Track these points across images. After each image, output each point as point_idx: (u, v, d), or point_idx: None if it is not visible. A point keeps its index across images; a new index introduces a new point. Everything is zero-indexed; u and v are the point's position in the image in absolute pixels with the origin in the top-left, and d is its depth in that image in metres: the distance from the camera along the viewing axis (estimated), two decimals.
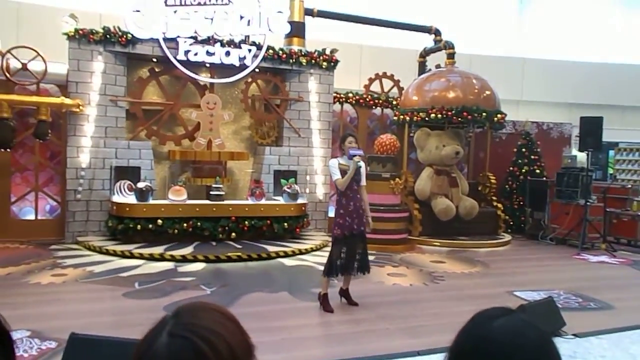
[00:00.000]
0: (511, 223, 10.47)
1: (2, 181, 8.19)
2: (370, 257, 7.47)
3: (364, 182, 5.24)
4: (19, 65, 7.76)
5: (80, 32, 8.02)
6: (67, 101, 7.96)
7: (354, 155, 5.04)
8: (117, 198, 7.93)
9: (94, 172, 8.20)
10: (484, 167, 10.27)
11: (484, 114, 9.23)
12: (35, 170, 8.44)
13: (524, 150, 10.69)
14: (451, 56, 10.26)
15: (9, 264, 6.58)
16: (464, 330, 1.05)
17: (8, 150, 7.84)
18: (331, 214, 7.64)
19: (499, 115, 9.53)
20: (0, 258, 6.89)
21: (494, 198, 10.12)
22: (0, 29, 8.16)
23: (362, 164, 5.14)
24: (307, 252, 7.90)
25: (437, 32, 10.75)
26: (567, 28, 13.97)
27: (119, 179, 8.10)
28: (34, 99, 7.91)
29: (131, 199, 7.87)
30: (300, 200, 8.65)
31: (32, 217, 8.49)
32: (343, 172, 5.08)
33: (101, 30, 8.11)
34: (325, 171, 9.17)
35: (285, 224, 8.38)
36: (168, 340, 0.85)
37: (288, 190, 8.51)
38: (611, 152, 13.40)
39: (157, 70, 8.79)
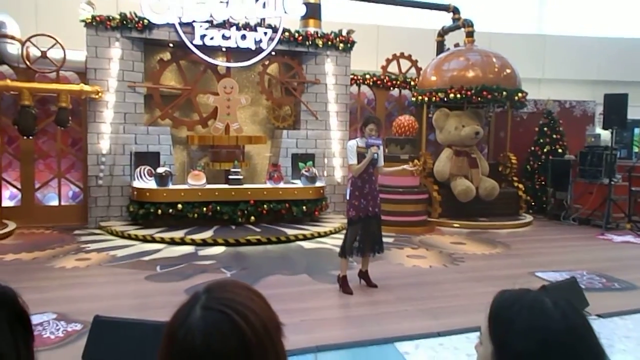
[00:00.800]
0: (533, 204, 10.33)
1: (26, 168, 8.35)
2: (389, 239, 7.54)
3: (381, 162, 5.22)
4: (39, 54, 7.85)
5: (97, 18, 8.06)
6: (87, 88, 8.04)
7: (372, 146, 5.01)
8: (137, 183, 8.02)
9: (114, 158, 8.30)
10: (504, 147, 10.11)
11: (504, 93, 9.06)
12: (57, 157, 8.58)
13: (545, 129, 10.49)
14: (470, 35, 10.06)
15: (35, 248, 6.73)
16: (518, 328, 0.99)
17: (31, 137, 7.97)
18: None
19: (519, 94, 9.34)
20: (26, 243, 7.06)
21: (515, 178, 9.98)
22: (20, 17, 8.23)
23: (378, 153, 5.08)
24: (325, 234, 7.91)
25: (455, 10, 10.53)
26: (589, 3, 13.58)
27: (139, 164, 8.19)
28: (54, 86, 8.01)
29: (151, 184, 7.95)
30: (318, 183, 8.65)
31: (55, 203, 8.65)
32: (360, 156, 5.05)
33: (118, 17, 8.14)
34: (343, 154, 9.13)
35: (304, 207, 8.39)
36: (203, 313, 0.87)
37: (306, 173, 8.51)
38: (636, 130, 13.05)
39: (174, 55, 8.81)
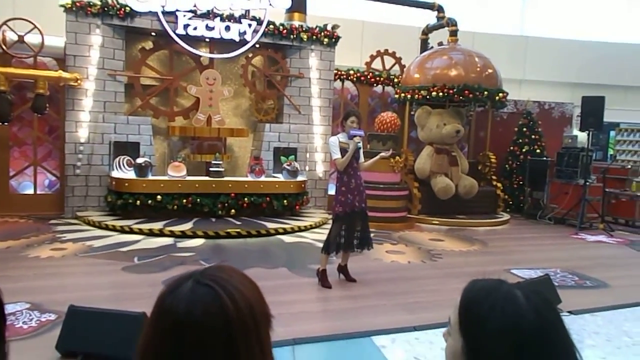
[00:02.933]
0: (510, 202, 10.49)
1: (0, 155, 8.17)
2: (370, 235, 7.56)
3: (362, 159, 5.24)
4: (16, 38, 7.67)
5: (78, 4, 7.90)
6: (65, 75, 7.89)
7: (355, 136, 5.02)
8: (116, 173, 7.91)
9: (93, 147, 8.17)
10: (484, 146, 10.23)
11: (485, 92, 9.15)
12: (33, 144, 8.41)
13: (525, 129, 10.63)
14: (454, 34, 10.13)
15: (9, 237, 6.60)
16: (491, 328, 0.97)
17: (6, 124, 7.80)
18: (331, 191, 7.63)
19: (500, 94, 9.45)
20: (0, 232, 6.92)
21: (494, 177, 10.11)
22: None
23: (361, 144, 5.12)
24: (306, 229, 7.92)
25: (440, 9, 10.60)
26: (570, 7, 13.79)
27: (118, 154, 8.08)
28: (32, 72, 7.84)
29: (130, 174, 7.86)
30: (300, 178, 8.64)
31: (31, 191, 8.49)
32: (343, 151, 5.06)
33: (99, 3, 7.99)
34: (325, 149, 9.14)
35: (285, 201, 8.38)
36: (192, 286, 0.91)
37: (288, 167, 8.50)
38: (612, 133, 13.34)
39: (156, 44, 8.70)
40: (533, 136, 10.57)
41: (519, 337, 0.95)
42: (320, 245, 5.35)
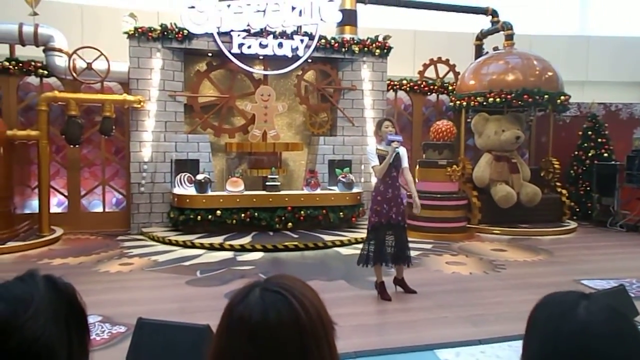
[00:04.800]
0: (577, 210, 10.01)
1: (72, 176, 8.66)
2: (428, 246, 7.45)
3: (406, 164, 5.07)
4: (84, 65, 8.14)
5: (140, 30, 8.31)
6: (129, 98, 8.29)
7: (393, 141, 4.85)
8: (177, 190, 8.19)
9: (156, 166, 8.51)
10: (546, 152, 9.84)
11: (546, 96, 8.83)
12: (102, 164, 8.87)
13: (590, 133, 10.16)
14: (510, 37, 9.87)
15: (81, 254, 6.96)
16: (548, 326, 0.95)
17: (77, 146, 8.27)
18: None
19: (562, 97, 9.09)
20: (72, 248, 7.31)
21: (558, 184, 9.70)
22: (67, 30, 8.57)
23: (401, 149, 4.98)
24: (362, 241, 7.84)
25: (494, 13, 10.37)
26: (633, 2, 13.10)
27: (179, 171, 8.37)
28: (99, 96, 8.31)
29: (191, 190, 8.11)
30: (355, 190, 8.63)
31: (100, 209, 8.93)
32: (381, 158, 4.95)
33: (159, 28, 8.37)
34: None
35: (341, 213, 8.39)
36: (262, 294, 0.92)
37: (343, 179, 8.51)
38: None
39: (213, 64, 8.99)
40: (599, 139, 10.08)
41: (557, 341, 0.92)
42: None
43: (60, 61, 8.14)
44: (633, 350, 0.91)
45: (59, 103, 8.13)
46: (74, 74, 8.09)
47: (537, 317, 0.99)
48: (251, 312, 0.89)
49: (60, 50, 8.16)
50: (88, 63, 8.13)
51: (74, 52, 8.09)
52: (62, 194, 8.71)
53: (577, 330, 0.91)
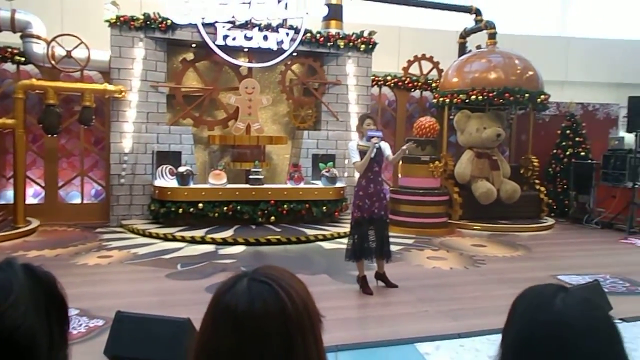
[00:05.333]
0: (554, 207, 10.18)
1: (50, 166, 8.50)
2: (409, 241, 7.50)
3: (388, 152, 5.09)
4: (64, 53, 7.98)
5: (122, 19, 8.17)
6: (110, 87, 8.16)
7: (372, 137, 4.89)
8: (159, 182, 8.10)
9: (137, 157, 8.40)
10: (526, 149, 9.98)
11: (526, 95, 8.95)
12: (80, 155, 8.72)
13: (568, 132, 10.34)
14: (492, 36, 9.96)
15: (58, 245, 6.84)
16: (525, 316, 0.98)
17: (55, 136, 8.11)
18: None
19: (542, 97, 9.22)
20: (49, 240, 7.18)
21: (537, 181, 9.85)
22: (45, 17, 8.37)
23: (382, 143, 4.99)
24: (345, 235, 7.84)
25: (477, 12, 10.45)
26: (613, 5, 13.33)
27: (161, 163, 8.27)
28: (79, 85, 8.15)
29: (173, 183, 8.03)
30: (338, 184, 8.64)
31: (78, 201, 8.79)
32: (362, 154, 4.97)
33: (142, 17, 8.24)
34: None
35: (324, 207, 8.39)
36: (248, 284, 0.92)
37: (326, 174, 8.51)
38: None
39: (196, 55, 8.89)
40: (577, 138, 10.26)
41: (533, 329, 0.95)
42: None
43: (39, 48, 7.96)
44: (606, 342, 0.94)
45: (37, 91, 7.94)
46: (53, 62, 7.93)
47: (515, 308, 1.02)
48: (237, 301, 0.89)
49: (38, 37, 7.97)
50: (67, 51, 7.97)
51: (53, 39, 7.92)
52: (38, 184, 8.55)
53: (552, 320, 0.94)
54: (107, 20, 8.15)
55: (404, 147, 5.11)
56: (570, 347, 0.92)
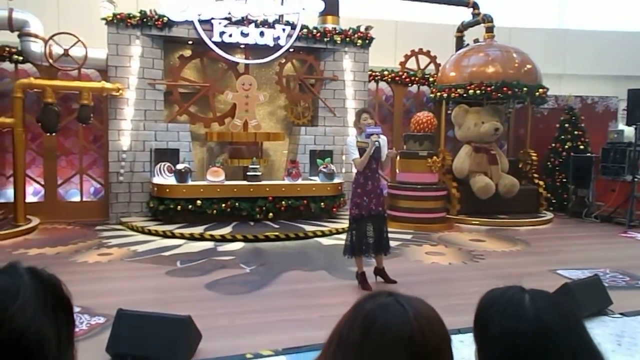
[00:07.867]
0: (553, 201, 10.19)
1: (49, 164, 8.50)
2: (407, 236, 7.52)
3: (385, 154, 5.07)
4: (61, 52, 7.97)
5: (118, 16, 8.15)
6: (108, 85, 8.15)
7: (372, 134, 4.86)
8: (157, 180, 8.11)
9: (135, 155, 8.40)
10: (524, 143, 10.00)
11: (524, 88, 8.95)
12: (79, 153, 8.72)
13: (567, 125, 10.33)
14: (490, 30, 9.95)
15: (58, 243, 6.85)
16: (505, 328, 1.04)
17: (53, 134, 8.11)
18: None
19: (540, 90, 9.22)
20: (49, 238, 7.19)
21: (535, 175, 9.86)
22: (43, 16, 8.36)
23: (382, 139, 4.97)
24: (343, 231, 7.86)
25: (475, 6, 10.43)
26: None
27: (159, 161, 8.27)
28: (76, 84, 8.14)
29: (171, 180, 8.03)
30: (336, 180, 8.65)
31: (77, 198, 8.79)
32: (361, 150, 4.96)
33: (138, 15, 8.22)
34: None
35: (322, 203, 8.40)
36: (389, 301, 0.98)
37: (324, 170, 8.52)
38: None
39: (194, 52, 8.87)
40: (576, 132, 10.26)
41: (516, 340, 1.01)
42: None
43: (36, 47, 7.95)
44: (579, 335, 1.02)
45: (35, 90, 7.93)
46: (50, 61, 7.92)
47: (486, 318, 1.07)
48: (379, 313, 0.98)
49: (35, 36, 7.96)
50: (65, 49, 7.96)
51: (50, 37, 7.90)
52: (38, 182, 8.55)
53: (533, 328, 1.00)
54: (103, 18, 8.14)
55: (393, 154, 5.15)
56: (553, 350, 0.98)
